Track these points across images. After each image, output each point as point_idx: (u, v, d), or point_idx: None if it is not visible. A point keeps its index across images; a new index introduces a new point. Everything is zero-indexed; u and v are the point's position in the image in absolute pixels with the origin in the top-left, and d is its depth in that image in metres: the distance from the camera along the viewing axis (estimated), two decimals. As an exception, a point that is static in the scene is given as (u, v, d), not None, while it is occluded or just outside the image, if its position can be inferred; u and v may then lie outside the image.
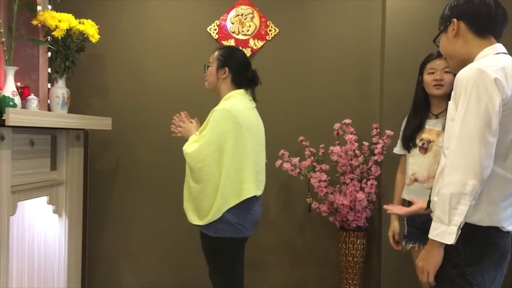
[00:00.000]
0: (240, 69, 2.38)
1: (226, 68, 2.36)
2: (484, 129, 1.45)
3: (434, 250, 1.53)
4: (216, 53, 2.41)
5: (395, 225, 2.63)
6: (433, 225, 1.53)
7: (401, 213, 2.03)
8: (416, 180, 2.43)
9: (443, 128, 2.24)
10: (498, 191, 1.53)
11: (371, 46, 3.30)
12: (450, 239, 1.47)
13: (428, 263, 1.55)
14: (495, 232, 1.54)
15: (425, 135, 2.43)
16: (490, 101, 1.46)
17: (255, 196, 2.29)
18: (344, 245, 3.09)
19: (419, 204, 1.91)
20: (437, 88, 2.40)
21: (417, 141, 2.45)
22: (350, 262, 3.08)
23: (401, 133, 2.60)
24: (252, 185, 2.26)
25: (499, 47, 1.64)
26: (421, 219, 2.30)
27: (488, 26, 1.63)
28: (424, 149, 2.41)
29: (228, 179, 2.21)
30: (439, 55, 2.38)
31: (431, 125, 2.43)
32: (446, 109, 2.16)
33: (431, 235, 1.52)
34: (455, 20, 1.66)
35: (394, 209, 2.02)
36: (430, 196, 1.69)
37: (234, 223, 2.24)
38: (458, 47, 1.67)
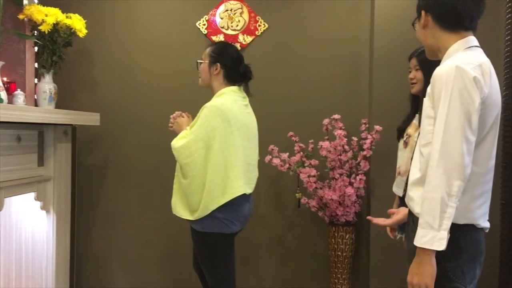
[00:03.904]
0: (232, 65, 2.37)
1: (218, 64, 2.36)
2: (465, 129, 1.43)
3: (426, 260, 1.45)
4: (208, 49, 2.41)
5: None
6: (421, 231, 1.45)
7: (385, 224, 1.99)
8: (399, 173, 2.45)
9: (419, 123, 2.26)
10: (472, 190, 1.51)
11: (360, 41, 3.31)
12: (441, 245, 1.42)
13: (423, 276, 1.45)
14: (470, 229, 1.53)
15: (409, 130, 2.44)
16: (470, 100, 1.44)
17: (244, 194, 2.29)
18: (333, 240, 3.11)
19: (402, 212, 1.87)
20: (412, 87, 2.42)
21: (404, 135, 2.47)
22: (339, 257, 3.10)
23: None
24: (241, 183, 2.26)
25: (471, 40, 1.59)
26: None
27: (456, 21, 1.58)
28: (406, 143, 2.42)
29: (214, 176, 2.21)
30: (413, 53, 2.41)
31: (416, 120, 2.44)
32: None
33: (419, 242, 1.44)
34: (423, 12, 1.63)
35: (378, 220, 1.98)
36: (404, 191, 1.69)
37: (221, 218, 2.25)
38: (428, 38, 1.65)
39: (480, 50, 1.59)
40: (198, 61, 2.44)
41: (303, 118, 3.33)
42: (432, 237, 1.42)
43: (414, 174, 1.59)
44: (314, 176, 3.06)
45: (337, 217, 3.08)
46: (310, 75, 3.36)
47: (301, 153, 3.13)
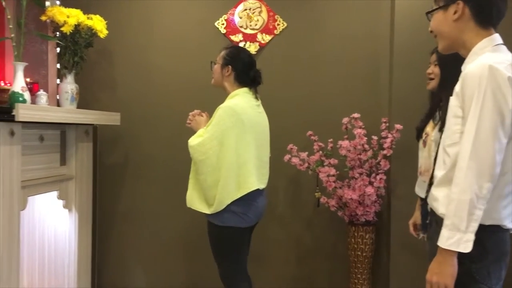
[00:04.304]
0: (243, 68, 2.49)
1: (230, 67, 2.48)
2: (498, 130, 1.40)
3: (448, 260, 1.43)
4: (223, 52, 2.54)
5: (417, 215, 2.59)
6: (446, 233, 1.43)
7: None
8: (420, 173, 2.41)
9: (439, 123, 2.22)
10: (499, 190, 1.48)
11: (380, 39, 3.28)
12: (468, 247, 1.39)
13: (443, 276, 1.44)
14: (496, 230, 1.50)
15: (428, 128, 2.39)
16: (504, 100, 1.41)
17: (258, 189, 2.41)
18: (353, 240, 3.09)
19: None
20: (428, 83, 2.39)
21: (423, 134, 2.42)
22: (359, 257, 3.07)
23: None
24: (254, 179, 2.39)
25: (497, 38, 1.55)
26: (424, 210, 2.30)
27: (493, 18, 1.54)
28: (424, 142, 2.38)
29: (229, 173, 2.32)
30: (436, 48, 2.35)
31: (435, 118, 2.38)
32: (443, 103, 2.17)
33: (444, 244, 1.42)
34: (461, 3, 1.53)
35: None
36: (427, 192, 1.66)
37: (239, 212, 2.37)
38: (455, 31, 1.57)
39: (505, 48, 1.55)
40: (212, 62, 2.56)
41: (322, 117, 3.31)
42: (458, 239, 1.40)
43: (439, 174, 1.56)
44: (333, 175, 3.04)
45: (356, 216, 3.05)
46: (329, 74, 3.34)
47: (320, 152, 3.11)
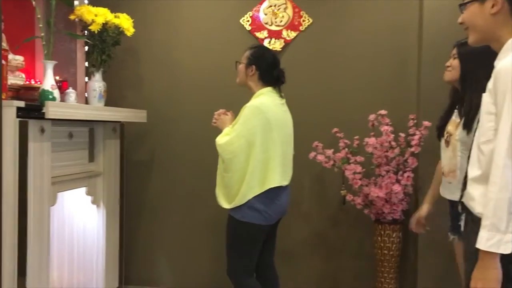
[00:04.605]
0: (267, 68, 2.51)
1: (253, 66, 2.51)
2: None
3: (491, 264, 1.38)
4: (247, 52, 2.58)
5: (423, 209, 2.56)
6: (485, 234, 1.38)
7: None
8: (443, 174, 2.36)
9: (462, 120, 2.18)
10: None
11: (408, 34, 3.22)
12: (507, 248, 1.35)
13: (488, 281, 1.39)
14: None
15: (449, 127, 2.33)
16: None
17: (281, 186, 2.45)
18: (379, 238, 3.05)
19: None
20: (445, 75, 2.34)
21: (444, 133, 2.36)
22: (385, 256, 3.03)
23: None
24: (277, 176, 2.43)
25: None
26: (454, 212, 2.26)
27: None
28: (447, 142, 2.32)
29: (255, 169, 2.38)
30: (457, 42, 2.32)
31: (455, 116, 2.33)
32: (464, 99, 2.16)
33: (484, 246, 1.37)
34: None
35: None
36: (461, 191, 1.62)
37: (261, 210, 2.40)
38: (490, 25, 1.53)
39: None
40: (237, 61, 2.59)
41: (348, 113, 3.27)
42: (498, 240, 1.36)
43: (474, 172, 1.52)
44: (359, 173, 3.01)
45: (383, 215, 3.01)
46: (355, 70, 3.30)
47: (346, 149, 3.08)
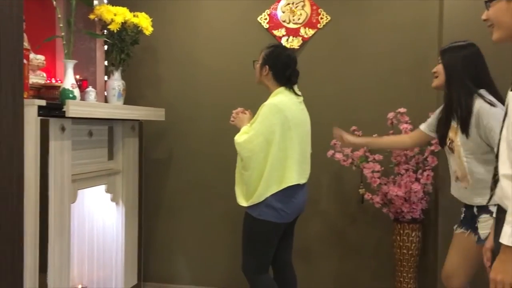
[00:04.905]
0: (280, 68, 2.52)
1: (267, 66, 2.52)
2: None
3: (511, 258, 1.39)
4: (264, 51, 2.58)
5: (350, 138, 2.73)
6: (510, 230, 1.38)
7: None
8: (457, 178, 2.34)
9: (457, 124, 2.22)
10: None
11: (427, 30, 3.17)
12: None
13: (507, 273, 1.40)
14: None
15: (450, 134, 2.31)
16: None
17: (298, 185, 2.46)
18: (398, 237, 3.01)
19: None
20: (433, 81, 2.38)
21: (446, 140, 2.33)
22: (404, 255, 3.00)
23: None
24: (295, 174, 2.44)
25: None
26: (470, 213, 2.29)
27: None
28: (451, 149, 2.31)
29: (272, 168, 2.39)
30: (442, 47, 2.38)
31: (453, 122, 2.30)
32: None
33: (507, 241, 1.38)
34: None
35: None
36: (492, 191, 1.60)
37: (278, 208, 2.41)
38: None
39: None
40: (254, 61, 2.61)
41: (366, 111, 3.24)
42: None
43: (505, 170, 1.48)
44: (378, 171, 2.98)
45: (402, 214, 2.98)
46: (374, 67, 3.27)
47: (365, 147, 3.05)
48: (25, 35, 2.47)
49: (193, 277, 3.56)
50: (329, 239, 3.37)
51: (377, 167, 2.98)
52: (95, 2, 2.94)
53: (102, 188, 2.94)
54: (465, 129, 2.20)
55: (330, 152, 3.05)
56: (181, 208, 3.56)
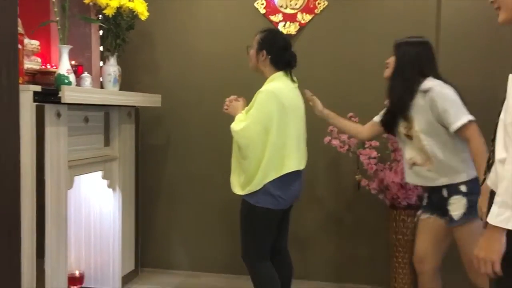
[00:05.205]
0: (278, 52, 2.47)
1: (264, 51, 2.47)
2: None
3: (495, 237, 1.43)
4: (257, 36, 2.53)
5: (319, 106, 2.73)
6: (496, 210, 1.41)
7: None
8: (414, 164, 2.38)
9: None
10: None
11: (426, 13, 3.14)
12: None
13: (490, 251, 1.44)
14: None
15: (407, 122, 2.37)
16: None
17: (296, 171, 2.44)
18: (394, 224, 3.03)
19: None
20: (385, 71, 2.45)
21: (401, 128, 2.39)
22: (400, 241, 3.02)
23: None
24: (293, 161, 2.42)
25: None
26: (437, 197, 2.35)
27: None
28: (409, 136, 2.37)
29: (271, 155, 2.36)
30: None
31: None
32: None
33: (494, 221, 1.41)
34: None
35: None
36: (485, 174, 1.61)
37: (276, 195, 2.39)
38: None
39: None
40: (248, 46, 2.55)
41: (363, 98, 3.23)
42: (507, 217, 1.38)
43: (500, 155, 1.50)
44: (374, 158, 2.99)
45: (398, 200, 2.99)
46: (371, 54, 3.25)
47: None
48: (19, 20, 2.44)
49: (190, 263, 3.58)
50: (325, 225, 3.39)
51: (374, 153, 2.99)
52: (90, -13, 2.90)
53: (98, 174, 2.93)
54: (403, 112, 2.33)
55: (327, 139, 3.05)
56: (178, 195, 3.56)
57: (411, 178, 2.46)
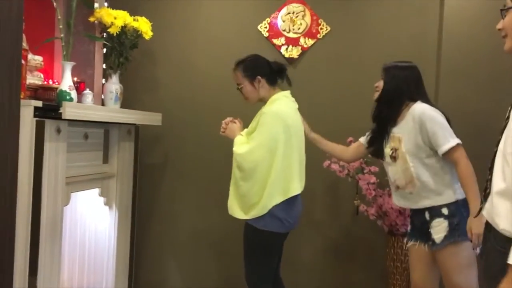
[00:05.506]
0: (267, 69, 2.48)
1: (259, 77, 2.46)
2: None
3: None
4: (238, 72, 2.51)
5: (313, 135, 2.73)
6: None
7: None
8: (398, 187, 2.40)
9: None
10: None
11: (426, 42, 3.19)
12: None
13: None
14: None
15: (392, 143, 2.39)
16: None
17: (298, 194, 2.43)
18: (392, 250, 3.01)
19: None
20: (374, 94, 2.48)
21: (387, 150, 2.41)
22: (398, 268, 2.99)
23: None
24: (297, 183, 2.40)
25: None
26: (420, 220, 2.35)
27: None
28: (394, 158, 2.37)
29: (276, 177, 2.32)
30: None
31: (395, 131, 2.39)
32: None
33: None
34: None
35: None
36: (481, 203, 1.59)
37: (282, 218, 2.36)
38: None
39: None
40: (238, 87, 2.53)
41: (364, 123, 3.20)
42: None
43: (498, 185, 1.45)
44: (373, 183, 2.98)
45: (396, 226, 2.97)
46: (372, 79, 3.23)
47: (361, 159, 3.05)
48: (24, 36, 2.45)
49: (185, 283, 3.53)
50: (322, 249, 3.36)
51: (373, 179, 2.98)
52: (96, 5, 2.93)
53: (95, 191, 2.91)
54: (393, 135, 2.37)
55: (326, 163, 3.05)
56: (175, 214, 3.53)
57: (397, 200, 2.47)
